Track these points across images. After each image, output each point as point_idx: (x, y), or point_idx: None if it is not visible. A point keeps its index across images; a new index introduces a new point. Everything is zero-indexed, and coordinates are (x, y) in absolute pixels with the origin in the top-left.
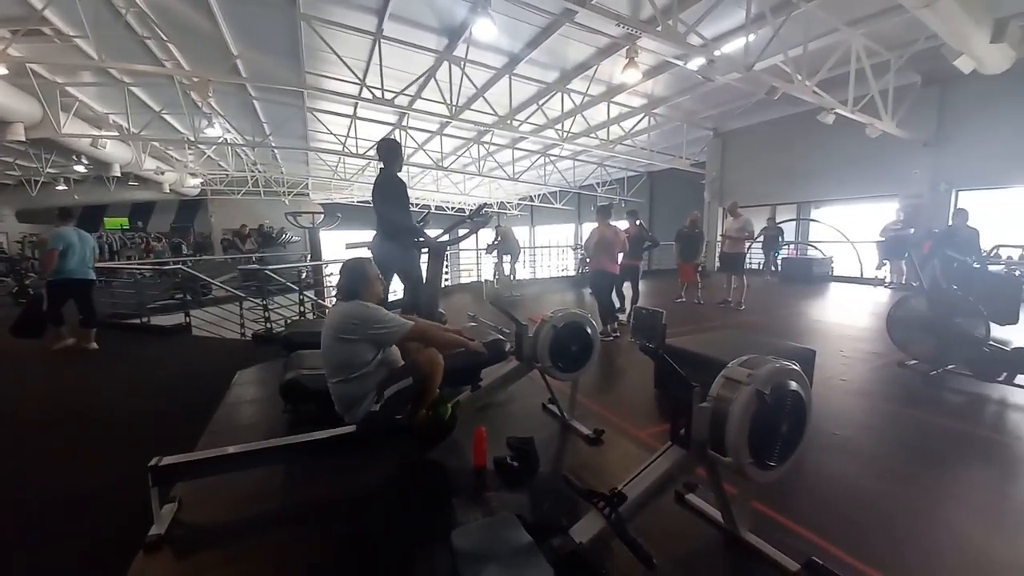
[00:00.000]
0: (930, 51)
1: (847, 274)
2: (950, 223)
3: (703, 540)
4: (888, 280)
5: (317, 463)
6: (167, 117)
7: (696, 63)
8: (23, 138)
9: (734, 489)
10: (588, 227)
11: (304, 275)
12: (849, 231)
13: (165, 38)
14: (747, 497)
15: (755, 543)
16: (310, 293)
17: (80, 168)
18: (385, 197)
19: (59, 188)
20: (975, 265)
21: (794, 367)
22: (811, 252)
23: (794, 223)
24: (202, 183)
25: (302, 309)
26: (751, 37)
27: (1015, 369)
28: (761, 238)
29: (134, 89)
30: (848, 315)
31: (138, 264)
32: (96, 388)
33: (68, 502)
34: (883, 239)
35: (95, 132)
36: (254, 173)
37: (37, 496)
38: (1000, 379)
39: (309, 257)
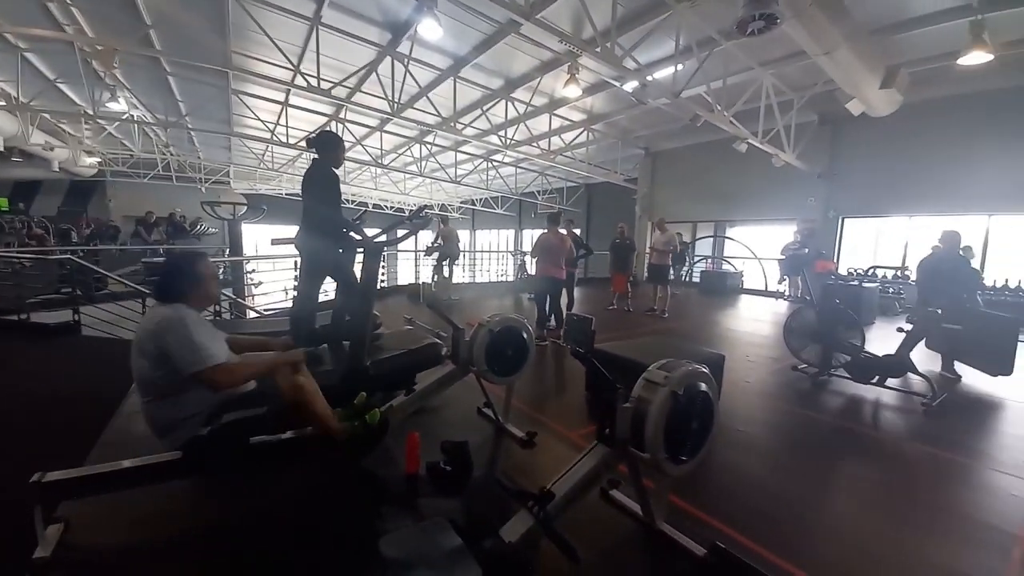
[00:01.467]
0: (826, 94)
1: (755, 287)
2: (937, 244)
3: (624, 532)
4: (787, 293)
5: (226, 477)
6: (62, 87)
7: (631, 85)
8: None
9: (652, 484)
10: (528, 233)
11: (222, 271)
12: (757, 249)
13: (68, 1)
14: (663, 491)
15: (669, 532)
16: (228, 291)
17: None
18: (315, 190)
19: None
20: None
21: (704, 370)
22: (726, 267)
23: (712, 240)
24: (100, 163)
25: (218, 308)
26: (679, 67)
27: (885, 373)
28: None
29: (28, 55)
30: (754, 324)
31: (17, 252)
32: None
33: None
34: (783, 257)
35: None
36: (165, 156)
37: None
38: (873, 381)
39: (228, 252)
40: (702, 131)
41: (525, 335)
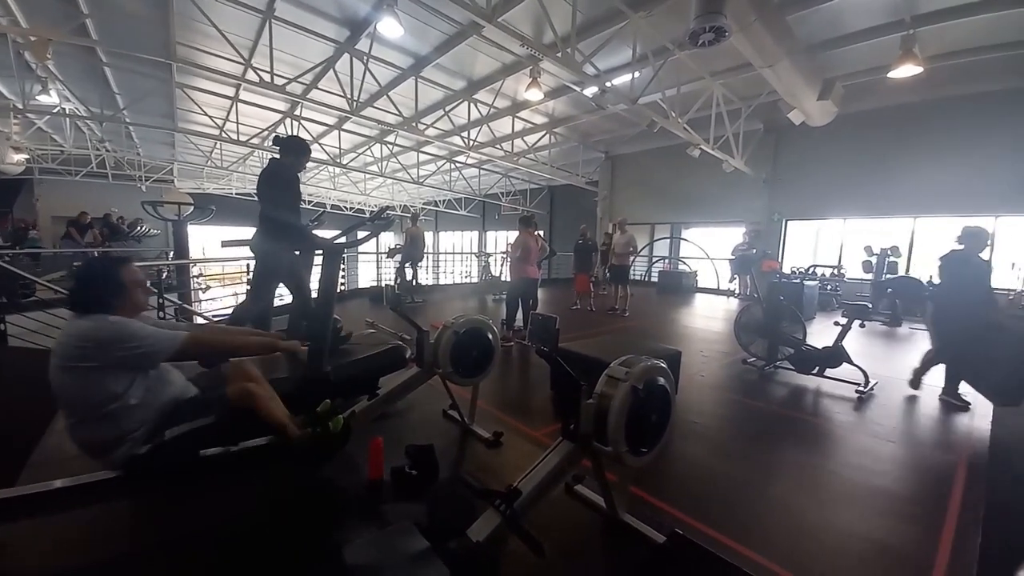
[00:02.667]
0: (770, 104)
1: (708, 286)
2: (959, 247)
3: (588, 525)
4: (737, 292)
5: (173, 493)
6: None
7: (591, 91)
8: None
9: (614, 476)
10: (492, 235)
11: (165, 275)
12: (710, 249)
13: None
14: (626, 483)
15: (631, 522)
16: (173, 296)
17: None
18: (274, 192)
19: None
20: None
21: (661, 365)
22: (682, 267)
23: (668, 241)
24: (28, 160)
25: (162, 315)
26: (636, 74)
27: (824, 364)
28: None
29: None
30: (708, 321)
31: None
32: None
33: None
34: (733, 257)
35: None
36: (100, 152)
37: None
38: (814, 372)
39: (172, 255)
40: (659, 136)
41: (490, 336)
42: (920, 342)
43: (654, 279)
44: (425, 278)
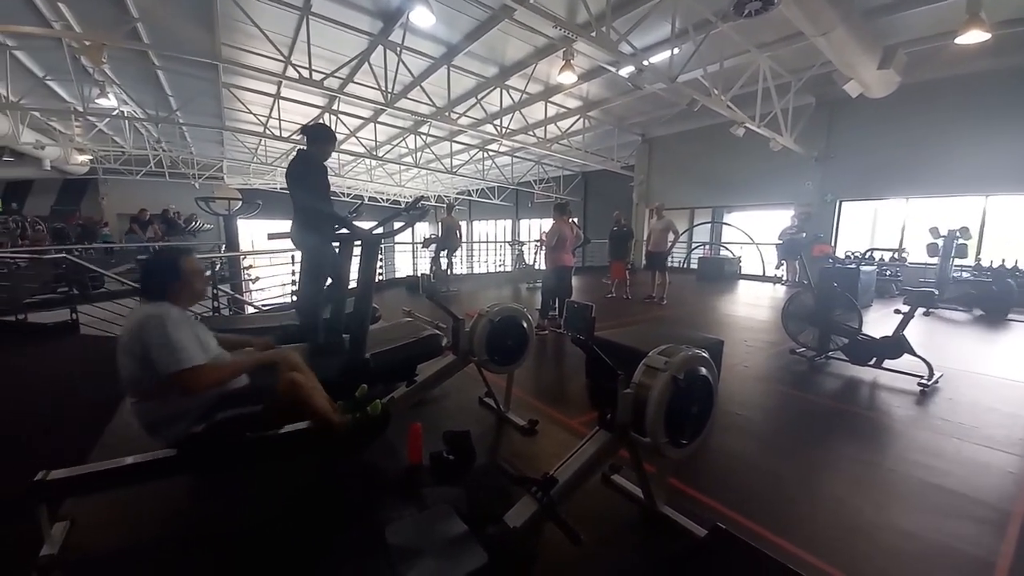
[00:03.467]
0: (823, 76)
1: (753, 272)
2: None
3: (626, 516)
4: (784, 278)
5: (230, 473)
6: (51, 84)
7: (627, 70)
8: None
9: (652, 468)
10: (525, 223)
11: (218, 267)
12: (754, 234)
13: None
14: (664, 474)
15: (670, 515)
16: (225, 287)
17: None
18: (304, 182)
19: None
20: None
21: (703, 355)
22: (723, 253)
23: (709, 226)
24: (92, 161)
25: (216, 304)
26: (675, 51)
27: (882, 354)
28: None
29: (16, 52)
30: (752, 309)
31: (12, 252)
32: None
33: None
34: (780, 242)
35: None
36: (157, 152)
37: None
38: (871, 363)
39: (224, 248)
40: (699, 116)
41: (525, 324)
42: (1003, 334)
43: (693, 266)
44: (459, 267)
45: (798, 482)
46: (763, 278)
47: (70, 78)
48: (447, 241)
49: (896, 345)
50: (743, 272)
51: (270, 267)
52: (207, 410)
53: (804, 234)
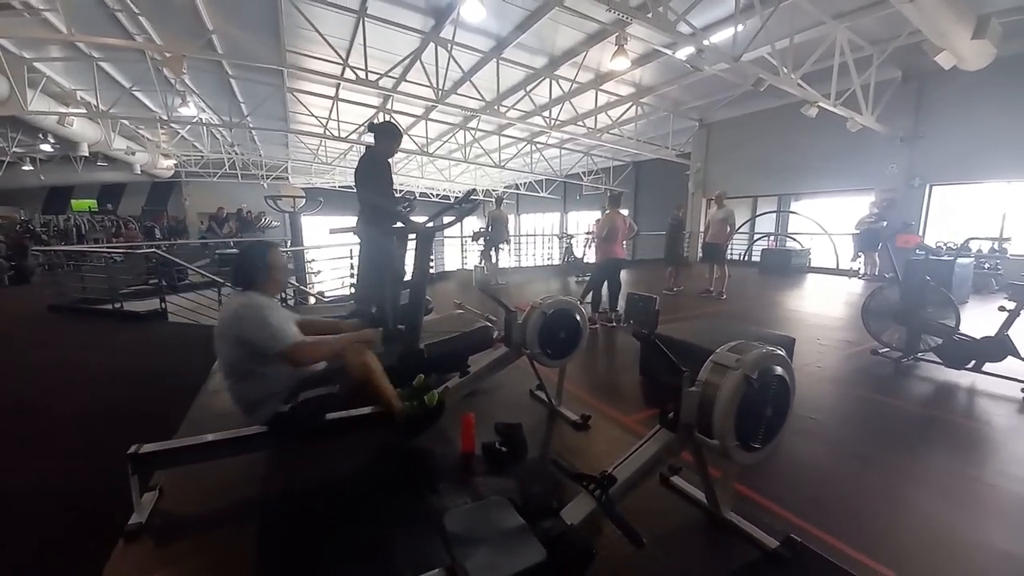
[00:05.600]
0: (911, 47)
1: (824, 265)
2: None
3: (687, 520)
4: (862, 271)
5: (299, 449)
6: (138, 94)
7: (685, 52)
8: None
9: (717, 471)
10: (574, 216)
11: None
12: (826, 223)
13: (136, 11)
14: (729, 479)
15: (736, 522)
16: (291, 279)
17: (47, 147)
18: (369, 179)
19: (25, 168)
20: None
21: (779, 352)
22: (789, 244)
23: (774, 215)
24: (176, 165)
25: (283, 295)
26: (739, 27)
27: (983, 357)
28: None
29: (103, 64)
30: (824, 305)
31: (109, 248)
32: (72, 375)
33: (44, 492)
34: (858, 232)
35: (63, 109)
36: (231, 155)
37: (12, 486)
38: (969, 366)
39: (289, 243)
40: (764, 97)
41: (578, 317)
42: None
43: (755, 258)
44: (507, 261)
45: (881, 493)
46: (836, 271)
47: (155, 89)
48: (496, 234)
49: (999, 346)
50: (812, 265)
51: (331, 260)
52: (292, 391)
53: (885, 222)
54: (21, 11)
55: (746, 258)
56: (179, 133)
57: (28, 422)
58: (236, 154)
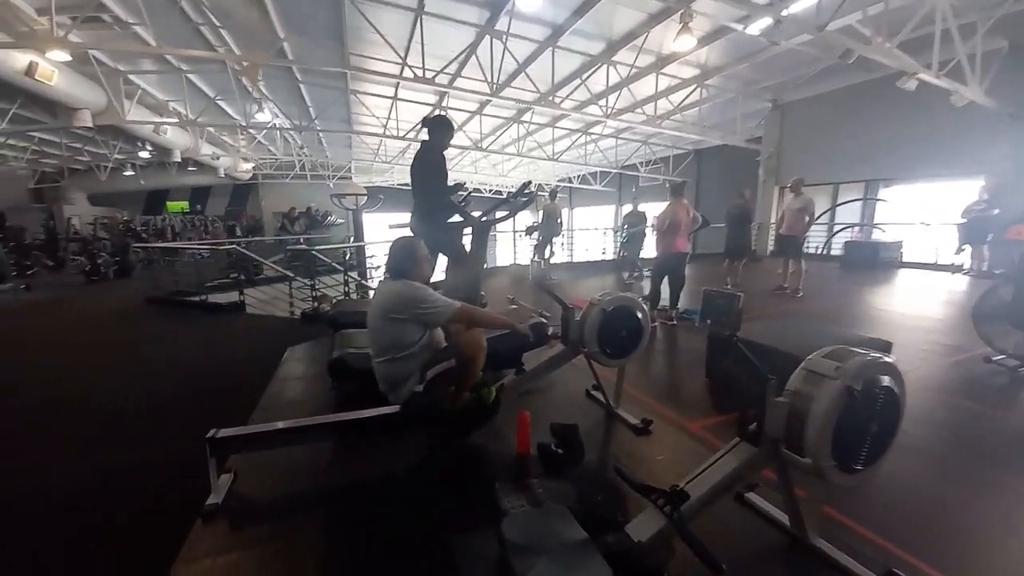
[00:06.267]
0: (1020, 14)
1: (919, 260)
2: None
3: (769, 544)
4: (967, 266)
5: (362, 440)
6: (221, 103)
7: (759, 26)
8: (90, 124)
9: (802, 491)
10: (629, 209)
11: (348, 256)
12: (923, 213)
13: (217, 23)
14: (818, 501)
15: (827, 550)
16: (354, 274)
17: (144, 154)
18: (425, 174)
19: (126, 174)
20: None
21: (887, 360)
22: (877, 236)
23: (860, 203)
24: (254, 167)
25: (346, 289)
26: None
27: None
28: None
29: (191, 76)
30: (921, 304)
31: (196, 244)
32: (164, 362)
33: (132, 471)
34: (963, 221)
35: (156, 119)
36: (301, 157)
37: (103, 464)
38: None
39: (352, 239)
40: (849, 72)
41: (640, 314)
42: None
43: (835, 252)
44: (560, 255)
45: (998, 523)
46: (935, 266)
47: (235, 97)
48: (549, 229)
49: None
50: (905, 259)
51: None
52: (423, 368)
53: (997, 211)
54: (111, 24)
55: (824, 252)
56: (256, 138)
57: (125, 406)
58: (305, 156)
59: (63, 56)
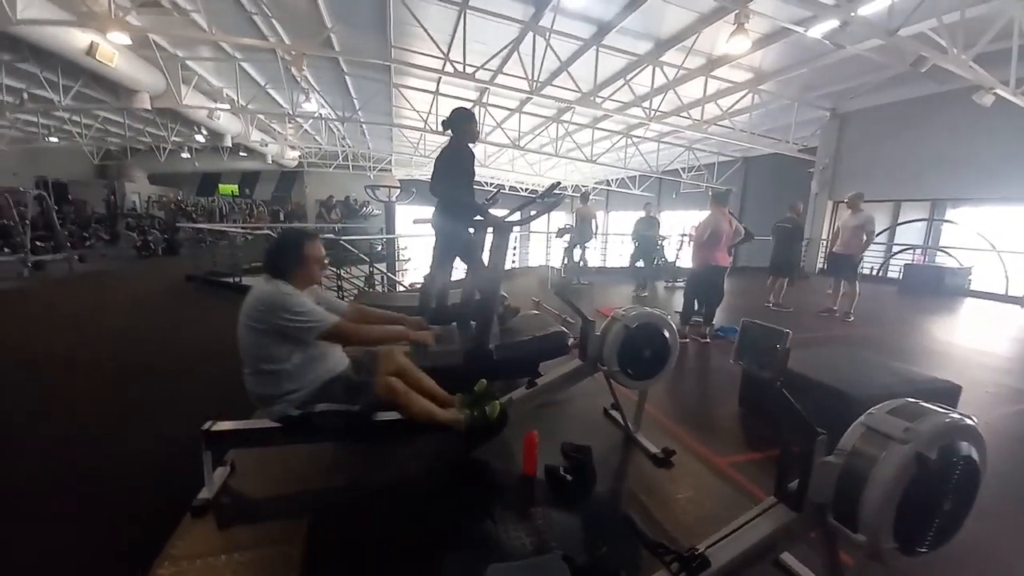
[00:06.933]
0: None
1: (988, 290)
2: None
3: None
4: None
5: (364, 446)
6: (271, 91)
7: (823, 28)
8: (149, 107)
9: (851, 559)
10: (668, 215)
11: (379, 247)
12: (994, 238)
13: (269, 13)
14: (864, 568)
15: None
16: (381, 265)
17: (200, 138)
18: (448, 169)
19: (183, 156)
20: None
21: (970, 422)
22: (943, 260)
23: (926, 224)
24: (300, 155)
25: (372, 280)
26: None
27: None
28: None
29: (243, 64)
30: (987, 339)
31: (229, 226)
32: (183, 343)
33: (133, 457)
34: None
35: (211, 104)
36: (344, 148)
37: (103, 451)
38: None
39: (384, 230)
40: (918, 82)
41: (667, 333)
42: None
43: (892, 274)
44: (595, 259)
45: None
46: (1006, 298)
47: (283, 86)
48: (581, 232)
49: None
50: (972, 288)
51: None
52: (307, 398)
53: None
54: (170, 10)
55: (881, 273)
56: (303, 127)
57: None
58: (348, 147)
59: (123, 39)
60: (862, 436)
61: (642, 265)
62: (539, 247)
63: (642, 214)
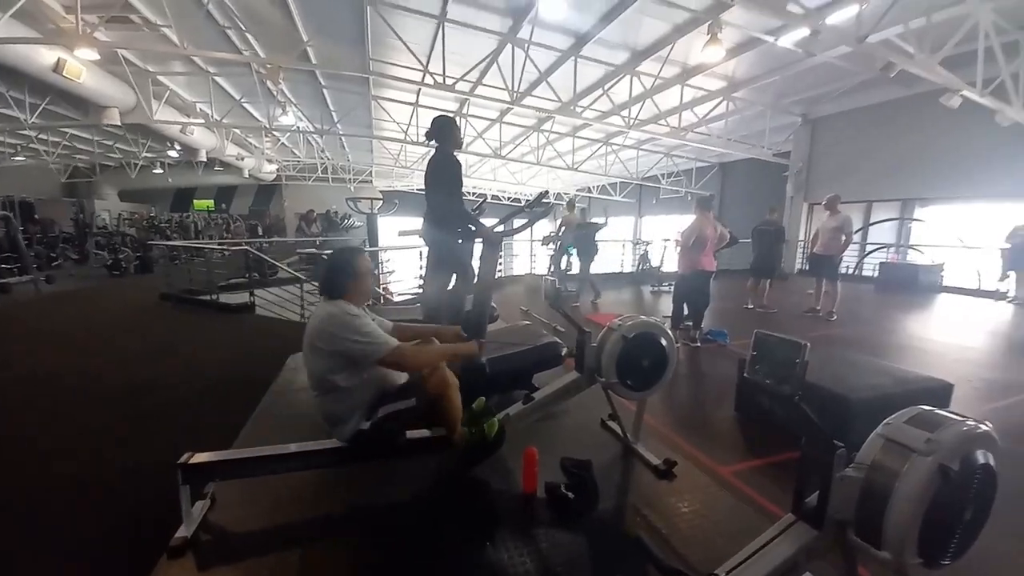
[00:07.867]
0: None
1: (960, 285)
2: None
3: None
4: (1013, 294)
5: (355, 471)
6: (246, 105)
7: (793, 37)
8: (118, 122)
9: (866, 571)
10: (649, 220)
11: None
12: (965, 235)
13: (243, 27)
14: None
15: None
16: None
17: (173, 153)
18: (436, 180)
19: (155, 172)
20: None
21: (985, 429)
22: (915, 257)
23: (896, 223)
24: (277, 169)
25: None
26: (864, 5)
27: None
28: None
29: (217, 78)
30: (964, 334)
31: (205, 243)
32: (165, 365)
33: (102, 491)
34: (1009, 246)
35: (184, 119)
36: (323, 160)
37: (80, 475)
38: None
39: (367, 243)
40: (886, 87)
41: (665, 343)
42: None
43: (866, 272)
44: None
45: None
46: (979, 292)
47: (259, 100)
48: (567, 240)
49: None
50: (945, 283)
51: (403, 261)
52: (372, 405)
53: None
54: (140, 25)
55: (856, 272)
56: (280, 140)
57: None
58: (327, 159)
59: (91, 54)
60: (882, 448)
61: (577, 271)
62: (523, 256)
63: (567, 213)
